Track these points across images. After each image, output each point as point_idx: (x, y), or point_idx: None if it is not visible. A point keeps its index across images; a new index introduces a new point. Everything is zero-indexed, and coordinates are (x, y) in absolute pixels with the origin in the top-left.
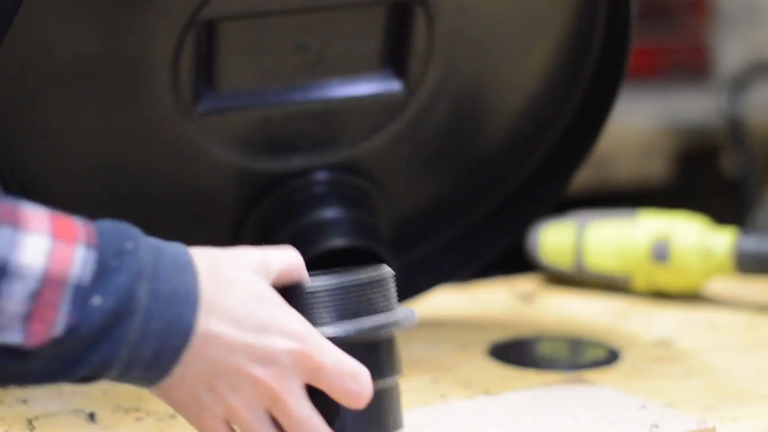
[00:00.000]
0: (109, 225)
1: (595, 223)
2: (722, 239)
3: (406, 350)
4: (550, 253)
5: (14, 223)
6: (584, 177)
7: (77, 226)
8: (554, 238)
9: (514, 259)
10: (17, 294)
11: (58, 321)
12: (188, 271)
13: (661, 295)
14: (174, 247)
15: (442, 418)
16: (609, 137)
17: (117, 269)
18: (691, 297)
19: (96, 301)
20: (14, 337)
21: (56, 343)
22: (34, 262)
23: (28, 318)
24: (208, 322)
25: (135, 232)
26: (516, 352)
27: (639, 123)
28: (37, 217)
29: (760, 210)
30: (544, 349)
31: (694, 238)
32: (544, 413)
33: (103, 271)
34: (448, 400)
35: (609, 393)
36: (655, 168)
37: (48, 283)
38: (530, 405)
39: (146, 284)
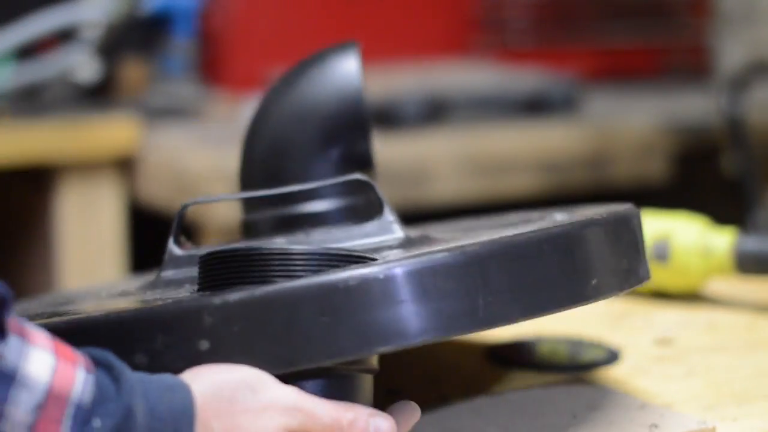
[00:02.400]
0: (96, 353)
1: None
2: (722, 239)
3: (406, 351)
4: None
5: (21, 335)
6: (584, 177)
7: (74, 350)
8: None
9: None
10: (24, 403)
11: None
12: (179, 388)
13: (661, 295)
14: (157, 374)
15: (442, 419)
16: (609, 137)
17: (114, 393)
18: (691, 297)
19: (96, 423)
20: None
21: None
22: (39, 375)
23: (33, 429)
24: (209, 427)
25: (116, 360)
26: (516, 352)
27: (639, 123)
28: (40, 334)
29: (760, 210)
30: (543, 350)
31: (694, 238)
32: (544, 413)
33: (101, 395)
34: (448, 400)
35: (609, 393)
36: (655, 168)
37: (52, 398)
38: (530, 405)
39: (142, 405)
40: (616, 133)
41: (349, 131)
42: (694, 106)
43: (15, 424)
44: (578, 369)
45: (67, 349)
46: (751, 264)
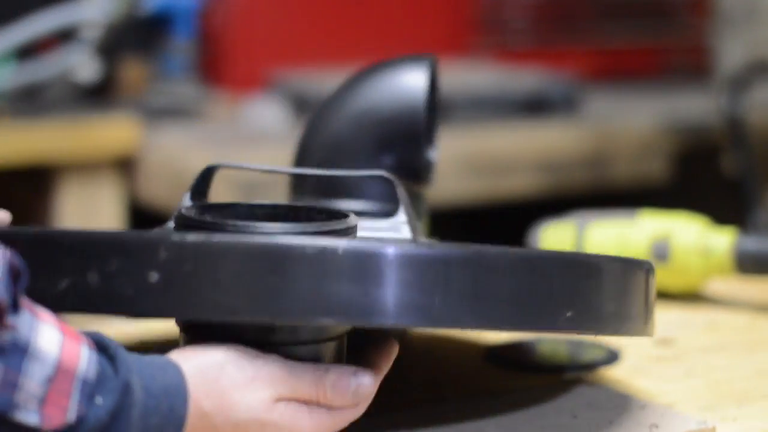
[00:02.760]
0: (90, 333)
1: (595, 223)
2: (722, 239)
3: (406, 351)
4: None
5: (31, 310)
6: (584, 177)
7: (76, 330)
8: (554, 238)
9: None
10: (36, 375)
11: (70, 409)
12: (171, 367)
13: (661, 295)
14: (147, 356)
15: (442, 419)
16: (609, 137)
17: (112, 372)
18: (691, 297)
19: (98, 400)
20: (31, 417)
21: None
22: (49, 349)
23: (44, 401)
24: (200, 407)
25: (110, 340)
26: (516, 353)
27: (639, 123)
28: (45, 312)
29: (760, 210)
30: (543, 350)
31: (694, 238)
32: (544, 413)
33: (101, 373)
34: (448, 400)
35: (609, 393)
36: (655, 168)
37: (61, 372)
38: (530, 405)
39: (138, 383)
40: (616, 133)
41: (404, 142)
42: (694, 106)
43: (28, 394)
44: (578, 369)
45: (70, 328)
46: (751, 264)
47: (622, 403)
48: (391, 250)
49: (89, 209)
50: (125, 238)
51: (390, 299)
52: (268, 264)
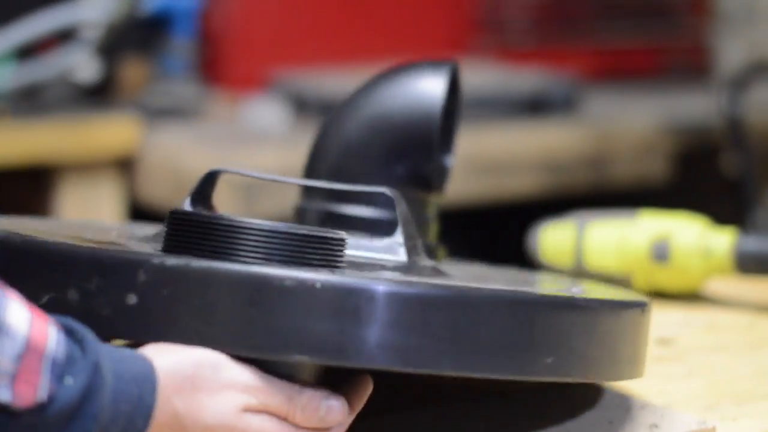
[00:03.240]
0: (60, 318)
1: (595, 223)
2: (722, 239)
3: None
4: (550, 253)
5: (1, 288)
6: (584, 177)
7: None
8: (554, 238)
9: (515, 259)
10: (7, 351)
11: (41, 386)
12: (140, 358)
13: (661, 295)
14: (116, 346)
15: (442, 419)
16: (609, 137)
17: (80, 353)
18: (691, 297)
19: (68, 380)
20: (3, 394)
21: (39, 410)
22: (19, 326)
23: (15, 378)
24: (170, 403)
25: (76, 324)
26: None
27: (639, 123)
28: (12, 291)
29: (760, 210)
30: None
31: (694, 238)
32: (545, 413)
33: (70, 354)
34: (448, 400)
35: (609, 393)
36: (655, 168)
37: (31, 350)
38: (531, 405)
39: (108, 366)
40: (616, 133)
41: (417, 150)
42: (694, 106)
43: (0, 371)
44: None
45: (37, 309)
46: (751, 264)
47: (622, 403)
48: (371, 288)
49: (89, 209)
50: (106, 256)
51: (367, 339)
52: (245, 294)
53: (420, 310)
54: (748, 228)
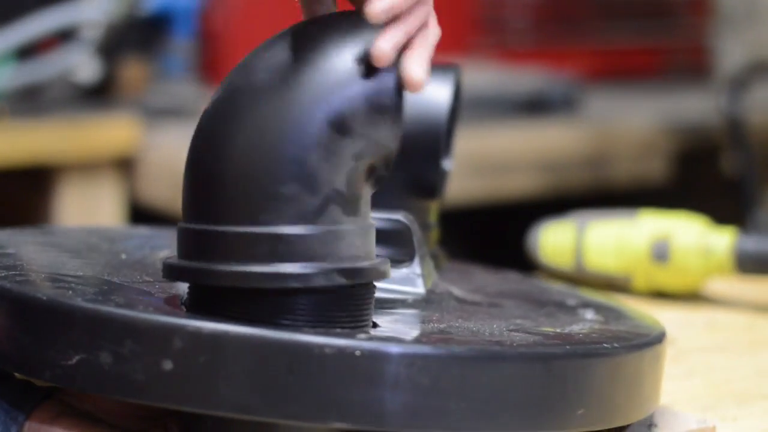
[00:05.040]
0: None
1: (595, 223)
2: (722, 239)
3: None
4: (550, 253)
5: None
6: (584, 177)
7: None
8: (554, 238)
9: (515, 259)
10: None
11: None
12: None
13: (661, 295)
14: None
15: None
16: (609, 137)
17: None
18: (691, 297)
19: None
20: None
21: None
22: None
23: None
24: None
25: None
26: None
27: (639, 123)
28: None
29: (760, 210)
30: None
31: (694, 238)
32: None
33: None
34: None
35: None
36: (655, 168)
37: None
38: None
39: None
40: (616, 133)
41: (422, 157)
42: (694, 106)
43: None
44: None
45: None
46: (751, 264)
47: None
48: (408, 353)
49: (89, 209)
50: (139, 321)
51: (402, 403)
52: (284, 363)
53: (458, 373)
54: (748, 228)
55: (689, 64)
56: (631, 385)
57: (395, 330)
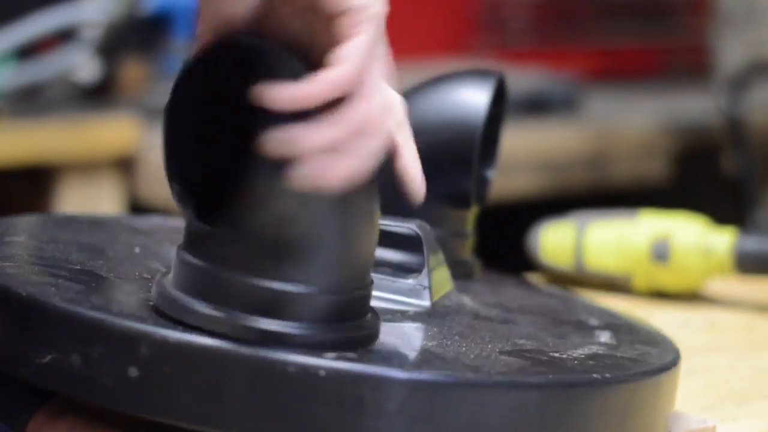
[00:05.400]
0: None
1: (595, 223)
2: (722, 239)
3: None
4: (550, 253)
5: None
6: (584, 177)
7: None
8: (554, 238)
9: (514, 259)
10: None
11: None
12: None
13: (661, 295)
14: None
15: None
16: (609, 137)
17: None
18: (691, 297)
19: None
20: None
21: None
22: None
23: None
24: None
25: None
26: None
27: (639, 123)
28: None
29: (760, 210)
30: None
31: (694, 238)
32: None
33: None
34: None
35: None
36: (655, 168)
37: None
38: None
39: None
40: (616, 133)
41: (455, 166)
42: (694, 106)
43: None
44: None
45: None
46: (751, 264)
47: None
48: (378, 377)
49: (89, 209)
50: (108, 325)
51: (371, 428)
52: (246, 379)
53: (428, 400)
54: (748, 228)
55: (689, 64)
56: (625, 417)
57: (379, 347)
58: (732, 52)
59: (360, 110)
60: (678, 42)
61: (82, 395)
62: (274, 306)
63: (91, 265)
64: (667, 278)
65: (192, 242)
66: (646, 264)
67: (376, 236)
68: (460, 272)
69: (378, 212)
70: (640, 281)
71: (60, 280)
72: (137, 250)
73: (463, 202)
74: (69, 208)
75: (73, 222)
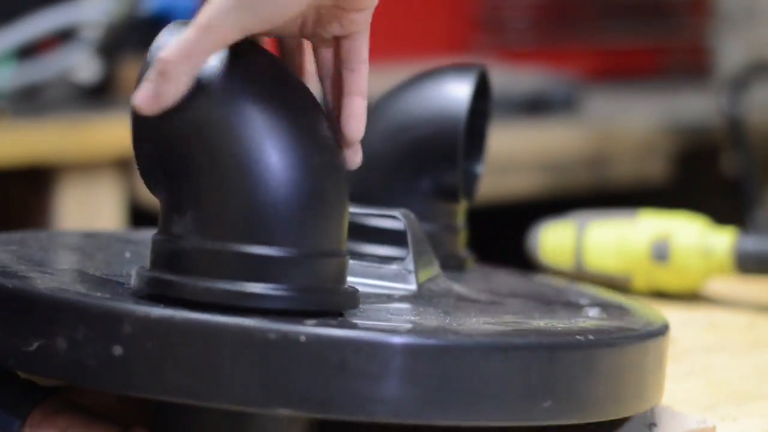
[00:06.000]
0: None
1: (595, 223)
2: (722, 239)
3: None
4: (550, 253)
5: None
6: (584, 177)
7: None
8: (554, 238)
9: (515, 259)
10: None
11: None
12: None
13: (661, 295)
14: None
15: None
16: (609, 137)
17: None
18: (691, 297)
19: None
20: None
21: None
22: None
23: None
24: None
25: None
26: None
27: (639, 123)
28: None
29: (760, 210)
30: None
31: (694, 238)
32: None
33: None
34: None
35: None
36: (655, 168)
37: None
38: None
39: None
40: (616, 133)
41: (440, 160)
42: (694, 106)
43: None
44: None
45: None
46: (751, 264)
47: None
48: (354, 338)
49: (89, 209)
50: (91, 306)
51: (354, 391)
52: (227, 349)
53: (402, 361)
54: (748, 228)
55: (689, 64)
56: (611, 380)
57: (361, 316)
58: (732, 52)
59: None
60: (678, 42)
61: (70, 379)
62: (253, 270)
63: (80, 266)
64: (667, 278)
65: (165, 221)
66: (646, 264)
67: (346, 204)
68: (452, 265)
69: (345, 181)
70: (640, 281)
71: (47, 276)
72: (128, 254)
73: (451, 196)
74: (69, 208)
75: (64, 236)
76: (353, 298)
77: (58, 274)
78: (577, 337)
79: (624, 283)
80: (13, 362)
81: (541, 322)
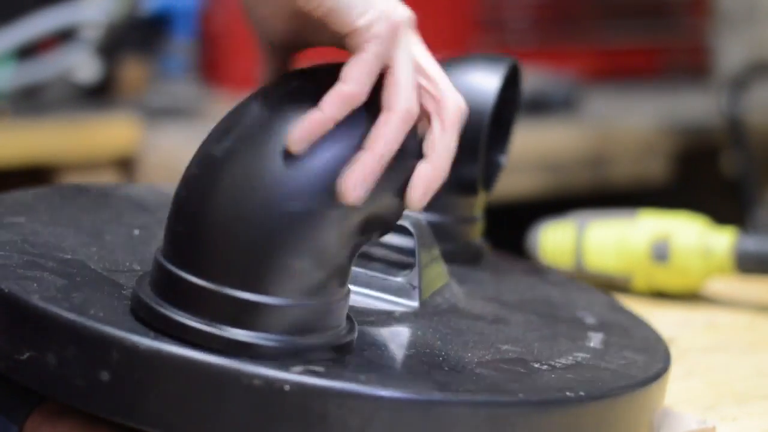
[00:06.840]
0: None
1: (595, 223)
2: (722, 239)
3: None
4: (550, 253)
5: None
6: (584, 177)
7: None
8: (554, 238)
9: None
10: None
11: None
12: None
13: (661, 295)
14: None
15: None
16: (609, 137)
17: None
18: (691, 297)
19: None
20: None
21: None
22: None
23: None
24: None
25: None
26: None
27: (639, 123)
28: None
29: (760, 210)
30: None
31: (694, 238)
32: None
33: None
34: None
35: None
36: (655, 168)
37: None
38: None
39: None
40: (616, 133)
41: (463, 152)
42: (694, 106)
43: None
44: None
45: None
46: (751, 264)
47: None
48: (343, 392)
49: None
50: (83, 328)
51: None
52: (211, 390)
53: (391, 419)
54: (748, 228)
55: (689, 64)
56: None
57: (351, 358)
58: (732, 52)
59: (386, 131)
60: (678, 42)
61: (57, 395)
62: (245, 316)
63: (83, 254)
64: (667, 278)
65: (168, 246)
66: (646, 264)
67: (348, 250)
68: (468, 255)
69: (351, 222)
70: (640, 281)
71: (45, 274)
72: (137, 232)
73: (468, 188)
74: None
75: (81, 195)
76: (346, 346)
77: (58, 270)
78: (567, 393)
79: (624, 283)
80: (3, 367)
81: (536, 362)
